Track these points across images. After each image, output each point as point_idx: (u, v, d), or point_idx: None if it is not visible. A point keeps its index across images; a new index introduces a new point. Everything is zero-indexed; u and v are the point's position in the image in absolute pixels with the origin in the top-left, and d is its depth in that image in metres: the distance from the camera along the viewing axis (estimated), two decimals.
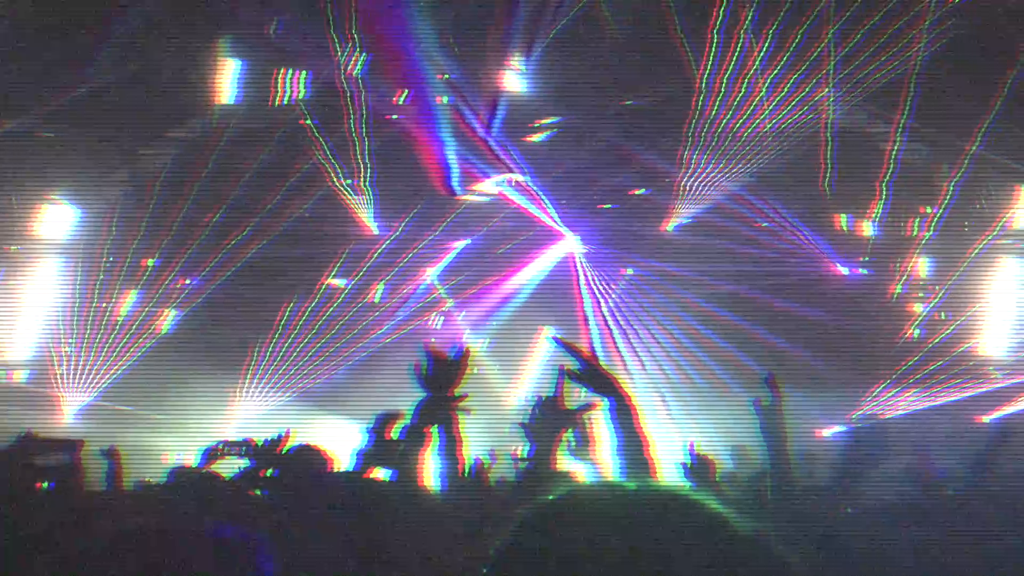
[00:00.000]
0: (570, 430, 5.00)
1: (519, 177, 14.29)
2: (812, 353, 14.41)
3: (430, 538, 4.27)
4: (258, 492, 5.06)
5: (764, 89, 13.09)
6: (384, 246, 15.05)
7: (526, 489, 4.57)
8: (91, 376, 14.85)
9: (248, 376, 15.45)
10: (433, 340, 7.06)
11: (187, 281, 15.06)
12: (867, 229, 14.86)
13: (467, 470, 4.54)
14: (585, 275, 15.72)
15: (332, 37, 12.55)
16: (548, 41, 12.93)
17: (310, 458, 5.23)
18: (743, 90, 13.14)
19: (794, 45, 12.59)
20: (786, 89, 13.09)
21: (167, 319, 15.34)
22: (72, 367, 14.84)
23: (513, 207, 14.83)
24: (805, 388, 12.64)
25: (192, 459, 6.23)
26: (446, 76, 13.09)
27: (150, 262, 14.82)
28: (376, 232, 14.96)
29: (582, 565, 1.72)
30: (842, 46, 12.60)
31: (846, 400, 14.05)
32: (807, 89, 13.07)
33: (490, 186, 14.52)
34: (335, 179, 14.08)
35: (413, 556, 4.16)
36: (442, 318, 16.00)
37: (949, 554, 4.57)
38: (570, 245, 15.49)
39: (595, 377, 4.34)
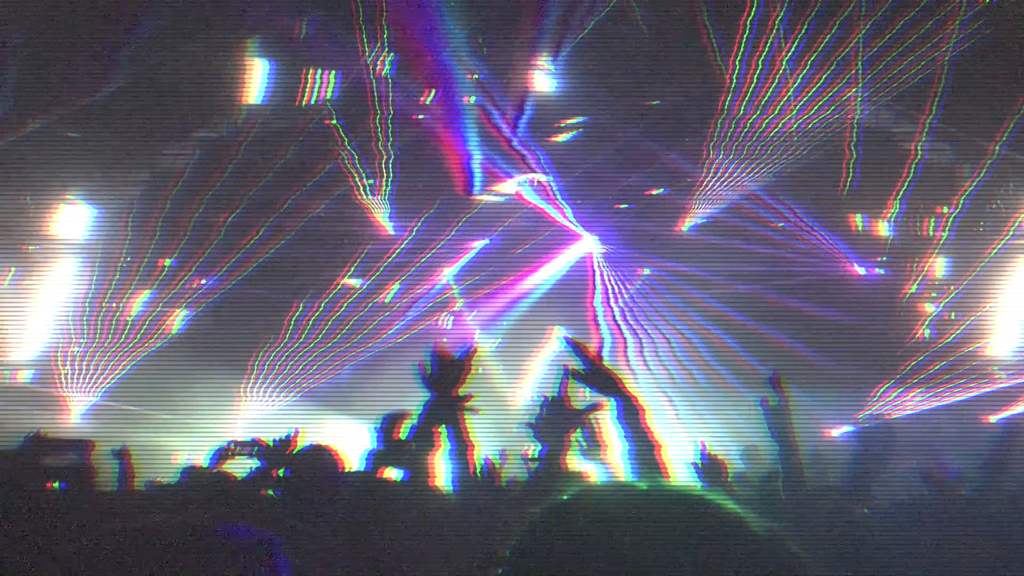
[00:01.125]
0: (579, 430, 4.99)
1: (542, 177, 14.29)
2: (826, 353, 14.41)
3: (443, 538, 4.27)
4: (271, 492, 5.07)
5: (792, 89, 13.07)
6: (402, 246, 15.06)
7: (538, 489, 4.56)
8: (100, 376, 14.88)
9: (258, 376, 15.47)
10: (444, 340, 7.07)
11: (202, 281, 15.08)
12: (884, 229, 14.85)
13: (479, 470, 4.54)
14: (602, 275, 15.72)
15: (361, 37, 12.56)
16: (577, 41, 12.93)
17: (322, 458, 5.23)
18: (771, 90, 13.13)
19: (823, 45, 12.58)
20: (814, 89, 13.09)
21: (179, 319, 15.37)
22: (81, 367, 14.87)
23: (530, 207, 14.83)
24: (818, 388, 12.66)
25: (203, 459, 6.24)
26: (475, 76, 13.10)
27: (167, 262, 14.85)
28: (391, 232, 14.97)
29: (596, 565, 1.72)
30: (871, 46, 12.58)
31: (858, 400, 14.07)
32: (835, 89, 13.07)
33: (509, 186, 14.52)
34: (357, 179, 14.11)
35: (426, 556, 4.16)
36: (452, 318, 16.00)
37: (961, 554, 4.57)
38: (588, 245, 15.49)
39: (598, 377, 4.33)
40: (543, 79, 13.41)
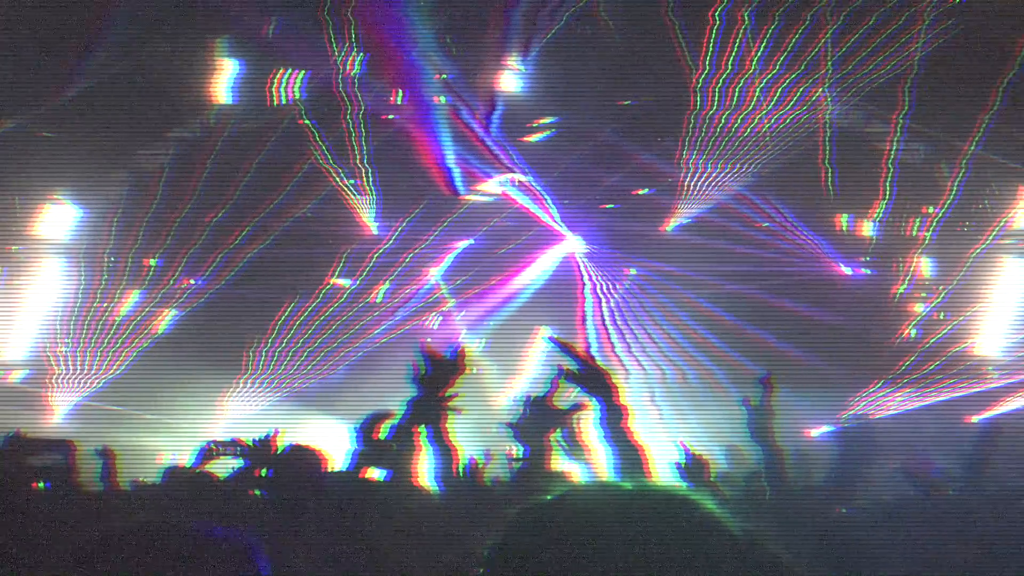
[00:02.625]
0: (558, 430, 5.00)
1: (521, 177, 14.28)
2: (811, 353, 14.41)
3: (425, 537, 4.27)
4: (257, 492, 5.06)
5: (759, 89, 13.09)
6: (385, 246, 15.03)
7: (521, 489, 4.57)
8: (86, 376, 14.83)
9: (244, 376, 15.42)
10: (429, 340, 7.06)
11: (191, 281, 15.05)
12: (868, 229, 14.86)
13: (461, 470, 4.55)
14: (588, 275, 15.71)
15: (330, 37, 12.55)
16: (545, 41, 12.92)
17: (304, 458, 5.22)
18: (739, 90, 13.14)
19: (791, 45, 12.60)
20: (782, 88, 13.10)
21: (165, 319, 15.32)
22: (67, 367, 14.82)
23: (515, 207, 14.82)
24: (804, 388, 12.64)
25: (186, 459, 6.22)
26: (443, 76, 13.09)
27: (151, 262, 14.81)
28: (376, 232, 14.94)
29: (577, 565, 1.72)
30: (840, 46, 12.60)
31: (843, 400, 14.06)
32: (803, 88, 13.09)
33: (493, 186, 14.51)
34: (336, 179, 14.08)
35: (408, 555, 4.16)
36: (440, 318, 15.97)
37: (942, 553, 4.58)
38: (572, 245, 15.48)
39: (591, 377, 4.34)
40: (513, 79, 13.41)
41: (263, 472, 5.09)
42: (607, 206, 15.16)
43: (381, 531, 4.24)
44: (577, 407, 4.81)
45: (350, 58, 12.95)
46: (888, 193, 13.90)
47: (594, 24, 12.96)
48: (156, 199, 14.02)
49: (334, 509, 4.41)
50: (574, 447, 5.10)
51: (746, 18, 12.51)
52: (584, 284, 15.73)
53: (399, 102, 13.34)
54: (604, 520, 1.77)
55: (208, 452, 5.69)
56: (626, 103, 14.05)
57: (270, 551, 2.52)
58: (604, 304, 15.75)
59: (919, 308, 15.22)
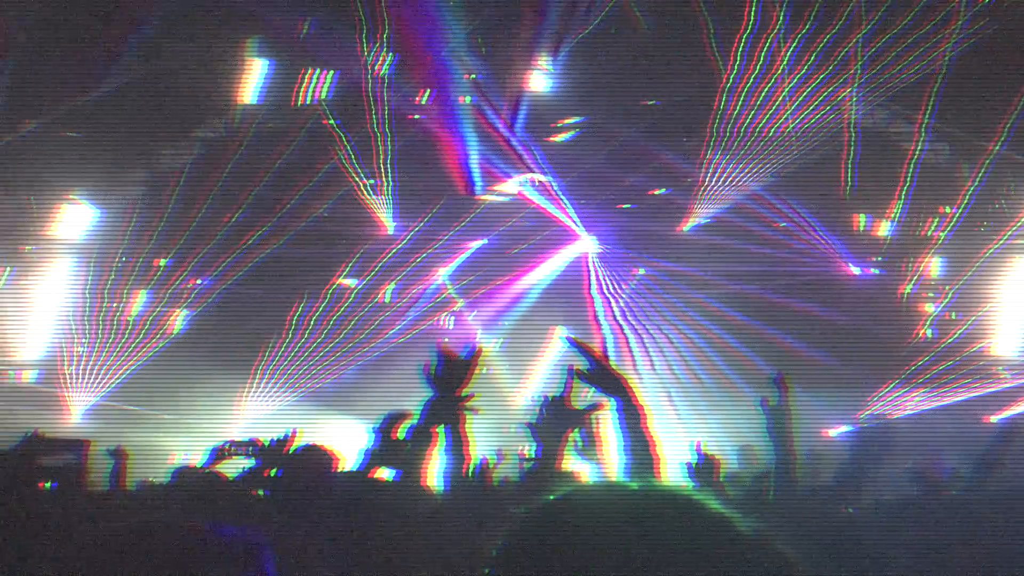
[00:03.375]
0: (576, 430, 4.99)
1: (541, 177, 14.28)
2: (823, 353, 14.39)
3: (433, 537, 4.27)
4: (261, 492, 5.06)
5: (787, 90, 13.07)
6: (400, 246, 15.05)
7: (529, 489, 4.56)
8: (102, 376, 14.89)
9: (258, 376, 15.47)
10: (446, 340, 7.06)
11: (199, 281, 15.08)
12: (884, 229, 14.84)
13: (471, 470, 4.54)
14: (598, 275, 15.71)
15: (361, 37, 12.57)
16: (576, 41, 12.92)
17: (316, 458, 5.23)
18: (768, 89, 13.12)
19: (821, 46, 12.58)
20: (811, 88, 13.08)
21: (179, 319, 15.37)
22: (84, 367, 14.88)
23: (530, 207, 14.82)
24: (816, 388, 12.62)
25: (199, 459, 6.24)
26: (473, 76, 13.10)
27: (163, 262, 14.86)
28: (391, 232, 14.96)
29: (583, 565, 1.72)
30: (869, 47, 12.57)
31: (857, 400, 14.04)
32: (831, 88, 13.07)
33: (511, 186, 14.51)
34: (356, 179, 14.11)
35: (415, 555, 4.16)
36: (454, 318, 15.99)
37: (953, 554, 4.57)
38: (586, 245, 15.48)
39: (605, 377, 4.33)
40: (541, 79, 13.40)
41: (272, 472, 5.10)
42: (624, 206, 15.15)
43: (388, 530, 4.24)
44: (594, 407, 4.80)
45: (380, 58, 12.97)
46: (906, 193, 13.86)
47: (627, 24, 12.93)
48: (173, 199, 14.06)
49: (341, 508, 4.42)
50: (590, 447, 5.10)
51: (780, 18, 12.47)
52: (594, 284, 15.72)
53: (423, 102, 13.35)
54: (610, 520, 1.77)
55: (220, 452, 5.70)
56: (651, 102, 14.02)
57: (278, 551, 2.52)
58: (615, 304, 15.74)
59: (932, 308, 15.18)
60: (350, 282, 15.49)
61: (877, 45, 12.58)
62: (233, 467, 5.43)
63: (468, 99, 13.19)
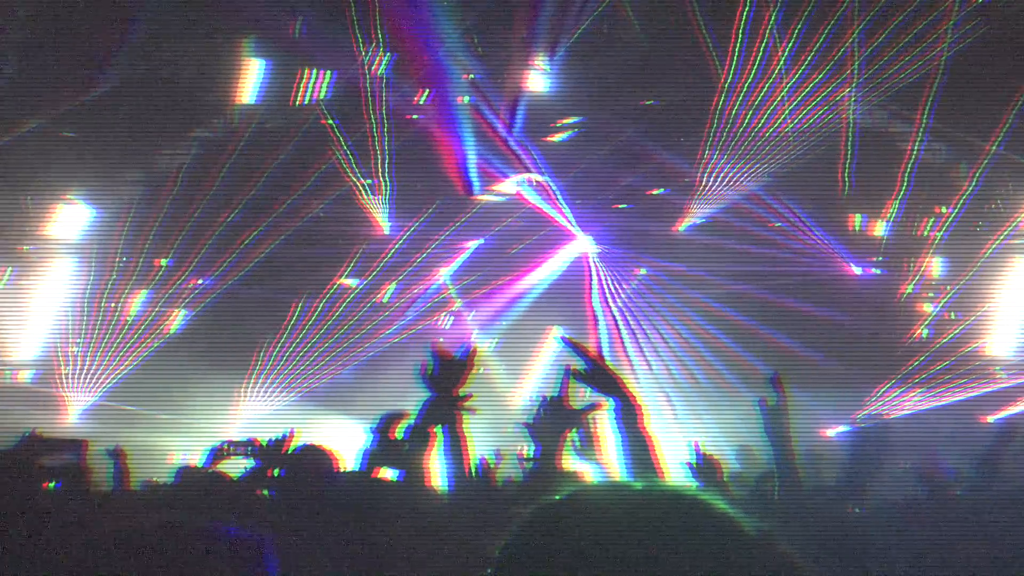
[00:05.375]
0: (574, 430, 4.99)
1: (538, 177, 14.29)
2: (822, 353, 14.41)
3: (436, 537, 4.27)
4: (265, 492, 5.07)
5: (786, 89, 13.07)
6: (397, 246, 15.05)
7: (532, 489, 4.56)
8: (98, 376, 14.88)
9: (255, 376, 15.46)
10: (441, 340, 7.07)
11: (199, 281, 15.08)
12: (881, 229, 14.85)
13: (473, 470, 4.54)
14: (597, 275, 15.71)
15: (356, 37, 12.56)
16: (572, 41, 12.92)
17: (316, 458, 5.23)
18: (765, 89, 13.12)
19: (818, 45, 12.58)
20: (808, 88, 13.08)
21: (176, 319, 15.36)
22: (80, 367, 14.87)
23: (528, 207, 14.82)
24: (814, 388, 12.64)
25: (198, 459, 6.23)
26: (471, 76, 13.10)
27: (163, 262, 14.85)
28: (388, 232, 14.96)
29: (587, 565, 1.71)
30: (866, 46, 12.58)
31: (854, 400, 14.05)
32: (829, 89, 13.07)
33: (509, 186, 14.51)
34: (353, 179, 14.11)
35: (419, 555, 4.16)
36: (452, 318, 15.99)
37: (956, 554, 4.57)
38: (583, 245, 15.48)
39: (601, 377, 4.32)
40: (538, 78, 13.40)
41: (275, 472, 5.11)
42: (620, 206, 15.16)
43: (392, 531, 4.24)
44: (592, 407, 4.80)
45: (377, 58, 12.97)
46: (903, 193, 13.88)
47: (622, 24, 12.94)
48: (171, 199, 14.05)
49: (346, 509, 4.42)
50: (589, 447, 5.09)
51: (773, 17, 12.48)
52: (594, 284, 15.72)
53: (422, 102, 13.35)
54: (614, 520, 1.76)
55: (219, 452, 5.70)
56: (649, 102, 14.03)
57: (282, 551, 2.52)
58: (613, 304, 15.75)
59: (930, 308, 15.20)
60: (350, 282, 15.49)
61: (874, 44, 12.59)
62: (235, 467, 5.43)
63: (467, 99, 13.19)
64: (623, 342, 15.68)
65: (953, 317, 15.01)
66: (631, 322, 15.73)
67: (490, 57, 13.22)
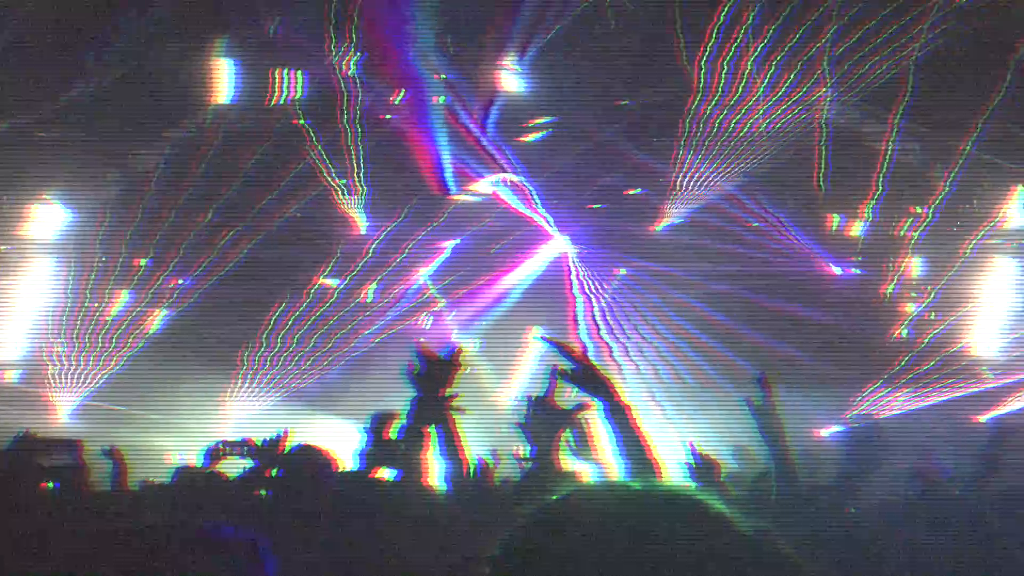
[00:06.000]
0: (568, 430, 5.00)
1: (513, 177, 14.29)
2: (805, 353, 14.42)
3: (435, 538, 4.28)
4: (263, 493, 5.06)
5: (761, 89, 13.10)
6: (375, 246, 15.03)
7: (531, 489, 4.57)
8: (86, 376, 14.82)
9: (241, 376, 15.42)
10: (423, 340, 7.08)
11: (179, 281, 15.03)
12: (859, 229, 14.86)
13: (472, 470, 4.55)
14: (577, 275, 15.71)
15: (329, 37, 12.56)
16: (545, 41, 12.93)
17: (313, 458, 5.23)
18: (740, 89, 13.14)
19: (790, 45, 12.61)
20: (783, 89, 13.10)
21: (158, 319, 15.31)
22: (66, 367, 14.81)
23: (504, 207, 14.82)
24: (802, 388, 12.65)
25: (194, 459, 6.23)
26: (442, 76, 13.10)
27: (142, 262, 14.80)
28: (364, 232, 14.94)
29: (586, 565, 1.72)
30: (839, 45, 12.62)
31: (842, 400, 14.07)
32: (804, 89, 13.09)
33: (484, 186, 14.51)
34: (328, 179, 14.09)
35: (417, 555, 4.16)
36: (432, 318, 15.97)
37: (950, 553, 4.59)
38: (561, 245, 15.48)
39: (587, 377, 4.34)
40: (511, 79, 13.41)
41: (273, 472, 5.11)
42: (595, 206, 15.17)
43: (390, 531, 4.24)
44: (581, 407, 4.81)
45: (348, 57, 12.96)
46: (879, 193, 13.91)
47: (602, 23, 12.96)
48: (147, 199, 14.01)
49: (344, 509, 4.42)
50: (583, 447, 5.10)
51: (751, 17, 12.51)
52: (573, 284, 15.72)
53: (397, 102, 13.35)
54: (612, 520, 1.77)
55: (216, 452, 5.69)
56: (623, 103, 14.05)
57: (279, 551, 2.53)
58: (595, 304, 15.75)
59: (910, 308, 15.23)
60: (331, 282, 15.46)
61: (845, 44, 12.64)
62: (232, 468, 5.42)
63: (442, 99, 13.20)
64: (604, 342, 15.67)
65: (934, 317, 15.05)
66: (611, 322, 15.73)
67: (462, 57, 13.24)
